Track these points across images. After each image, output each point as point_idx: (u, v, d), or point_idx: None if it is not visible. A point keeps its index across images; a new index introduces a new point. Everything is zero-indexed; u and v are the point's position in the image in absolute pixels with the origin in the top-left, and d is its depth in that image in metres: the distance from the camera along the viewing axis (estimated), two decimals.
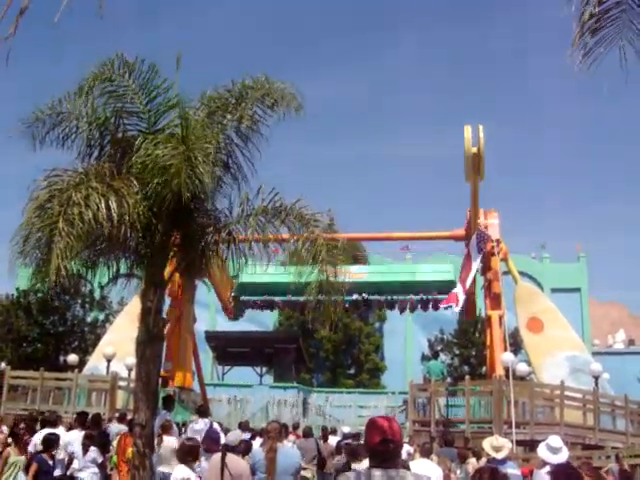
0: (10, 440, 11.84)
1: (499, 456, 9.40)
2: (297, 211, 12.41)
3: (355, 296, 29.38)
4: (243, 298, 31.68)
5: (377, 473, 4.39)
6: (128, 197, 10.90)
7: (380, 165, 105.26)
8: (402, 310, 31.38)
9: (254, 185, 12.80)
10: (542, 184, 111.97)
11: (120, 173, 11.68)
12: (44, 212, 10.63)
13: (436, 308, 29.68)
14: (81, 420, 13.77)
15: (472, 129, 24.71)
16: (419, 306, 30.89)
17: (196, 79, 13.67)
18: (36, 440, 12.72)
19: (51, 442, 10.97)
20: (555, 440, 9.28)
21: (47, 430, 12.91)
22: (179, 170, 10.81)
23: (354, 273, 25.42)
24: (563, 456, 8.89)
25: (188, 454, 9.30)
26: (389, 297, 30.66)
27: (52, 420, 14.03)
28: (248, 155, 12.80)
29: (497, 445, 9.59)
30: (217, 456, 9.73)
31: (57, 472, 12.29)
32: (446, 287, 27.56)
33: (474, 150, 24.49)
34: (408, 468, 7.37)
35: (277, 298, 30.40)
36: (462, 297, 23.46)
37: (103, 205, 10.59)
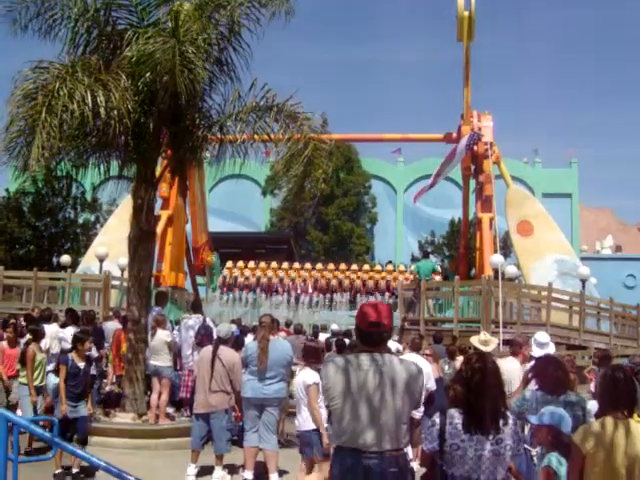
0: (29, 337, 11.63)
1: (487, 350, 9.59)
2: (289, 108, 12.29)
3: None
4: None
5: (364, 357, 4.46)
6: (116, 91, 10.73)
7: (372, 69, 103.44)
8: None
9: (247, 85, 12.65)
10: (535, 90, 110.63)
11: (109, 68, 11.47)
12: (28, 103, 10.49)
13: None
14: (72, 317, 13.93)
15: None
16: None
17: None
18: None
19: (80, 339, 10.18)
20: (542, 335, 9.49)
21: (44, 325, 13.05)
22: (171, 65, 10.61)
23: None
24: (550, 351, 9.09)
25: (312, 356, 8.72)
26: None
27: (47, 316, 14.20)
28: (241, 52, 12.59)
29: (484, 339, 9.78)
30: (208, 348, 9.92)
31: (51, 367, 12.52)
32: None
33: (466, 13, 26.85)
34: None
35: None
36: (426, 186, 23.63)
37: (89, 98, 10.43)
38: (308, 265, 31.40)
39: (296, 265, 31.47)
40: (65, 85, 10.40)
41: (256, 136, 12.80)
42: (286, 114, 12.24)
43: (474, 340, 9.86)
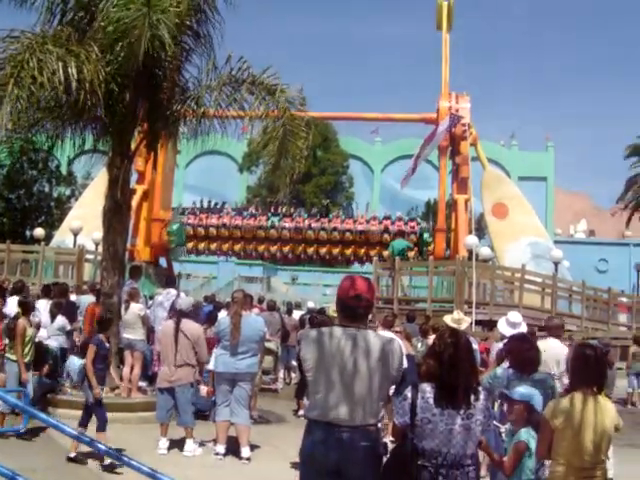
0: (18, 310, 10.63)
1: (459, 328, 9.66)
2: (265, 81, 12.19)
3: None
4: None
5: (339, 330, 4.45)
6: (88, 62, 10.58)
7: (352, 45, 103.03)
8: None
9: (224, 59, 12.53)
10: (513, 73, 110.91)
11: (82, 40, 11.31)
12: None
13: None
14: (46, 291, 13.83)
15: None
16: None
17: None
18: (7, 311, 12.69)
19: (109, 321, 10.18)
20: (514, 315, 9.58)
21: (17, 298, 12.92)
22: (140, 32, 10.46)
23: None
24: (522, 330, 9.18)
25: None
26: None
27: (18, 288, 14.05)
28: (217, 25, 12.45)
29: (457, 318, 9.87)
30: (169, 322, 9.90)
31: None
32: None
33: (445, 3, 28.04)
34: None
35: None
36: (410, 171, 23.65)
37: (60, 70, 10.28)
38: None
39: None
40: (35, 56, 10.24)
41: (232, 111, 12.70)
42: (262, 87, 12.14)
43: (447, 319, 9.96)
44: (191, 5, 12.06)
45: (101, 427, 8.70)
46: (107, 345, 9.40)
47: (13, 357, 10.02)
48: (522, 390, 5.46)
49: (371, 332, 4.55)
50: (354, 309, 4.46)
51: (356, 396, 4.30)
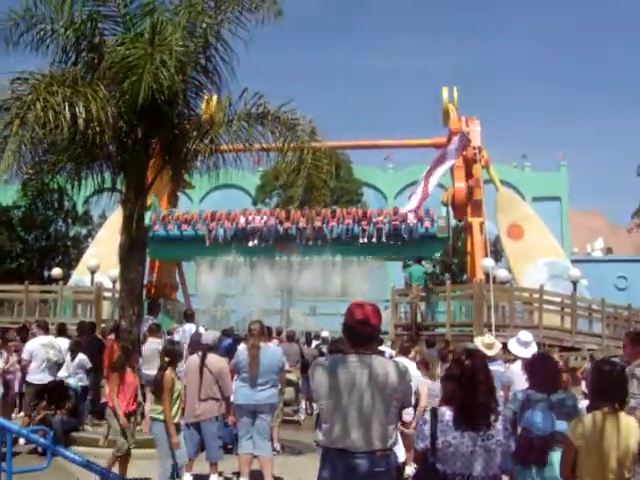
0: (166, 359, 9.05)
1: (490, 353, 9.59)
2: (282, 116, 12.29)
3: None
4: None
5: (349, 357, 4.48)
6: (95, 101, 10.75)
7: (361, 75, 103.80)
8: None
9: (235, 92, 12.67)
10: (525, 94, 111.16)
11: (93, 79, 11.53)
12: (4, 113, 10.55)
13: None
14: (61, 330, 13.95)
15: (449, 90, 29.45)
16: None
17: None
18: (30, 347, 12.76)
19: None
20: (525, 335, 9.58)
21: (42, 336, 12.97)
22: (143, 71, 10.64)
23: None
24: (532, 350, 9.15)
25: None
26: None
27: (43, 326, 14.06)
28: (228, 60, 12.60)
29: (488, 342, 9.78)
30: (194, 357, 9.89)
31: (46, 377, 12.47)
32: None
33: (451, 105, 28.89)
34: None
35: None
36: (418, 197, 22.59)
37: (67, 109, 10.45)
38: None
39: None
40: (40, 97, 10.43)
41: (248, 144, 12.80)
42: (280, 121, 12.24)
43: (478, 342, 9.86)
44: (199, 42, 12.25)
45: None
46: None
47: (160, 416, 8.70)
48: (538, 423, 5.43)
49: (380, 358, 4.58)
50: (360, 335, 4.50)
51: (365, 422, 4.32)
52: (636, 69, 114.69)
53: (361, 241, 26.43)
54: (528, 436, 5.85)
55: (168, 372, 8.67)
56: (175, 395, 8.70)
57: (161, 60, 10.70)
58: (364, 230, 26.49)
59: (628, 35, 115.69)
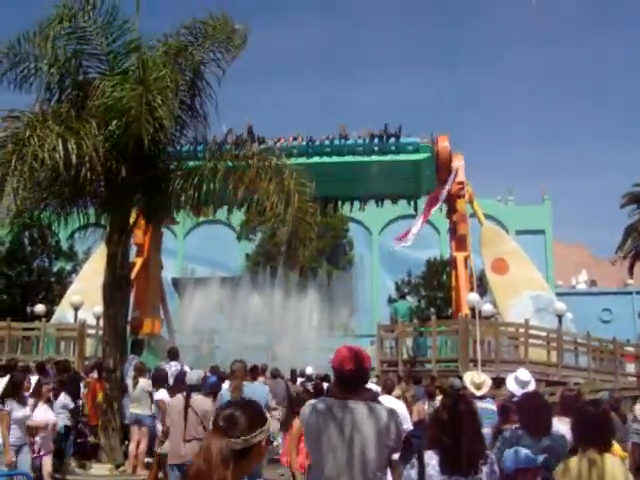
0: None
1: (479, 393, 9.41)
2: (268, 157, 12.33)
3: None
4: None
5: (333, 402, 4.44)
6: (87, 139, 10.79)
7: (345, 110, 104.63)
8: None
9: (216, 130, 12.73)
10: (507, 128, 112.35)
11: (80, 116, 11.55)
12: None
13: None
14: (40, 368, 13.76)
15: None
16: None
17: (158, 20, 13.38)
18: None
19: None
20: (524, 373, 9.35)
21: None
22: (138, 113, 10.69)
23: None
24: (531, 389, 9.00)
25: None
26: None
27: (12, 366, 13.83)
28: (212, 97, 12.69)
29: (478, 382, 9.56)
30: (179, 397, 9.78)
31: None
32: None
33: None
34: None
35: None
36: (415, 230, 22.57)
37: (60, 146, 10.47)
38: None
39: None
40: (35, 133, 10.44)
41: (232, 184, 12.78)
42: (267, 165, 12.24)
43: (467, 380, 9.65)
44: (183, 79, 12.33)
45: None
46: None
47: None
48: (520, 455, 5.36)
49: (366, 403, 4.50)
50: (349, 382, 4.46)
51: (354, 468, 4.26)
52: (621, 99, 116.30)
53: None
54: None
55: None
56: None
57: (154, 100, 10.76)
58: None
59: (612, 67, 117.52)
